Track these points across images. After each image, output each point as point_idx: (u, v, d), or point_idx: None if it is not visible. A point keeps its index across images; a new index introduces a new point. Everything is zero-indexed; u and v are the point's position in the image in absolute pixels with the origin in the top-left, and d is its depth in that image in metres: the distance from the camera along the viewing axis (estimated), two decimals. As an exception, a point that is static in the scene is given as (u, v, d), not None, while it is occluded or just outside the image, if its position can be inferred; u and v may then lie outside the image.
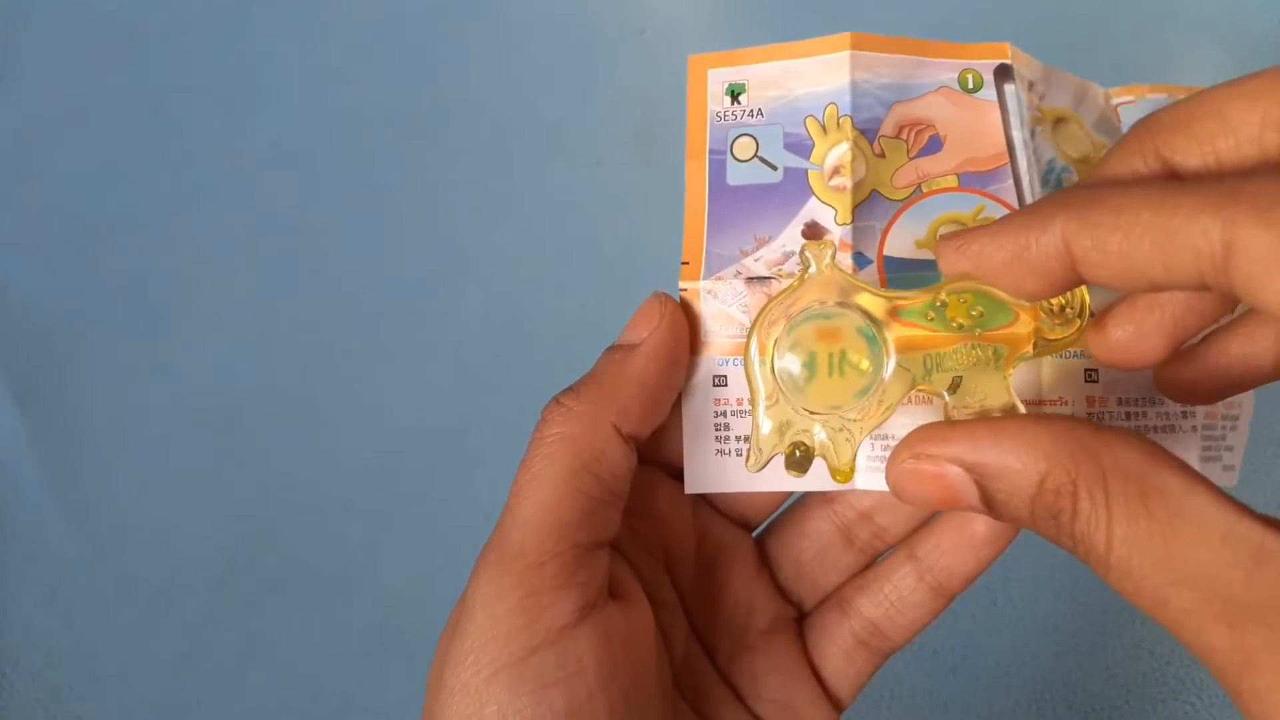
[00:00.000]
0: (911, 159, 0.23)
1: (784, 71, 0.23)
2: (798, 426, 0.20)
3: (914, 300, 0.19)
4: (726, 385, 0.23)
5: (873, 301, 0.20)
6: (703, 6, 0.68)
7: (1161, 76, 0.65)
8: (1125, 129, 0.24)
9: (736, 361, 0.23)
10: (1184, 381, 0.20)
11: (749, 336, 0.20)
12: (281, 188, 0.65)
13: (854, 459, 0.20)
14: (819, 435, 0.20)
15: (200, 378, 0.60)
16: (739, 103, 0.24)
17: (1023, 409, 0.19)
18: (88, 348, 0.61)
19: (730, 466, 0.23)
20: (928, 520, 0.24)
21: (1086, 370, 0.23)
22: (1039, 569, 0.52)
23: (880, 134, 0.23)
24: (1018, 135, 0.22)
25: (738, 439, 0.23)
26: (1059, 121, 0.23)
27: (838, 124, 0.23)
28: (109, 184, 0.65)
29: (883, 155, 0.23)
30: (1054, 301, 0.19)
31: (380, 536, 0.56)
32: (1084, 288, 0.19)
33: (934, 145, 0.23)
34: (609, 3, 0.67)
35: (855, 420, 0.20)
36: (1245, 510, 0.14)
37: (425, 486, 0.57)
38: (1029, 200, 0.22)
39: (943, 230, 0.22)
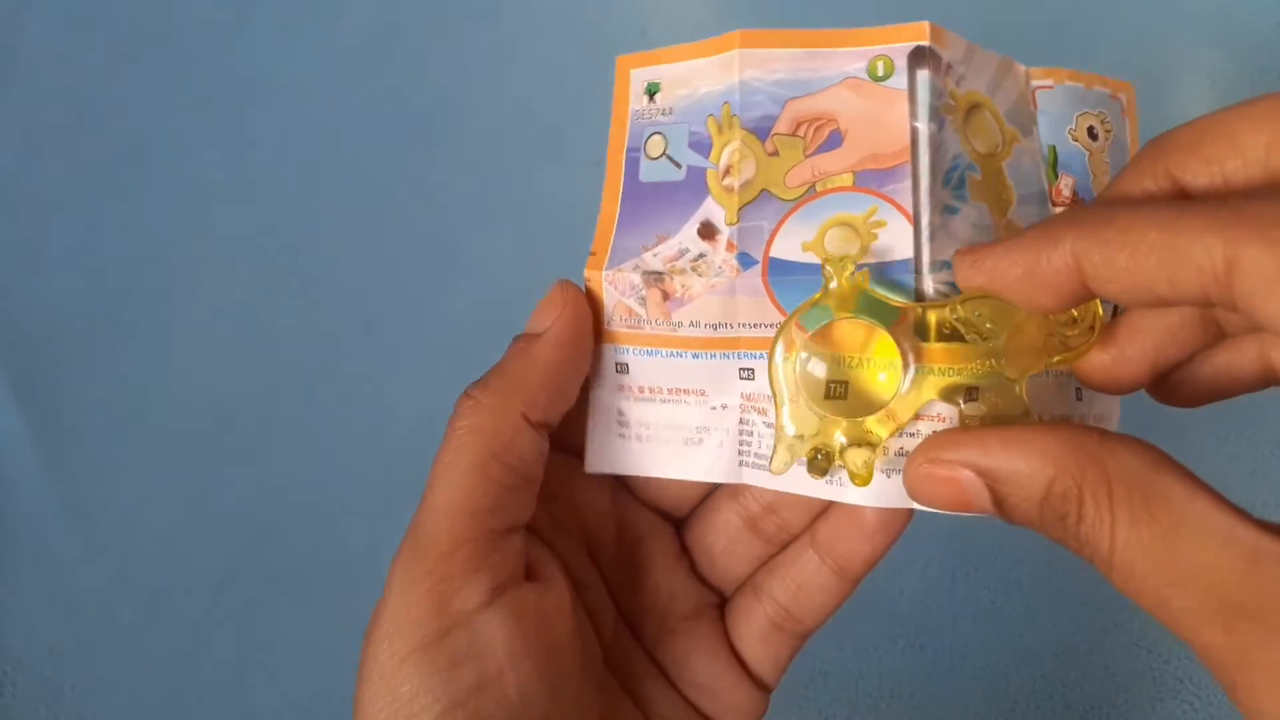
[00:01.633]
0: (808, 156, 0.22)
1: (691, 71, 0.23)
2: (819, 431, 0.20)
3: (931, 312, 0.20)
4: (628, 373, 0.24)
5: (891, 313, 0.20)
6: (703, 7, 0.68)
7: (1162, 76, 0.65)
8: (1041, 117, 0.24)
9: (636, 351, 0.24)
10: (1169, 384, 0.21)
11: (774, 342, 0.21)
12: (281, 188, 0.65)
13: (872, 465, 0.20)
14: (839, 440, 0.20)
15: (200, 378, 0.60)
16: (654, 101, 0.24)
17: (1035, 417, 0.20)
18: (89, 347, 0.61)
19: (630, 450, 0.24)
20: (825, 511, 0.25)
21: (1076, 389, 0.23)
22: (1038, 569, 0.52)
23: (774, 132, 0.22)
24: (923, 128, 0.21)
25: (637, 424, 0.24)
26: (972, 109, 0.22)
27: (730, 123, 0.23)
28: (109, 184, 0.65)
29: (776, 154, 0.22)
30: (1067, 314, 0.20)
31: (380, 536, 0.56)
32: (1097, 301, 0.20)
33: (834, 141, 0.22)
34: (609, 3, 0.67)
35: (874, 427, 0.20)
36: (1243, 514, 0.15)
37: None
38: (925, 203, 0.21)
39: (831, 233, 0.21)
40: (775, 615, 0.26)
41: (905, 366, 0.20)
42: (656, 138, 0.24)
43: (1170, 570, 0.15)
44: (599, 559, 0.25)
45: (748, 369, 0.23)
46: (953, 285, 0.21)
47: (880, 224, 0.21)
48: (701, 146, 0.23)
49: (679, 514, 0.27)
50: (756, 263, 0.22)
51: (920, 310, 0.20)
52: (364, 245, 0.63)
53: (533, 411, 0.22)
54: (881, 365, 0.20)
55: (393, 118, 0.66)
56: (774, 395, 0.21)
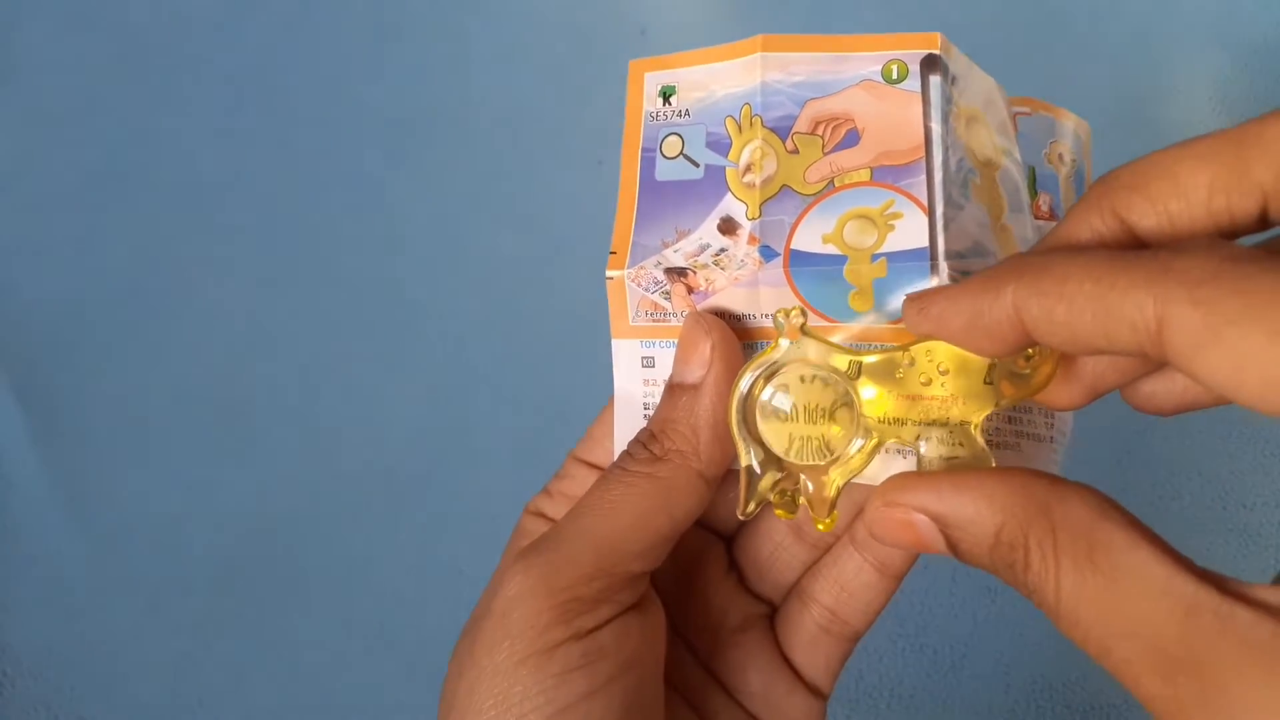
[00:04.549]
0: (826, 154, 0.23)
1: (708, 74, 0.25)
2: (782, 475, 0.21)
3: (883, 359, 0.21)
4: (654, 366, 0.25)
5: (844, 361, 0.21)
6: (702, 7, 0.68)
7: (1162, 76, 0.65)
8: (1021, 139, 0.25)
9: (662, 344, 0.24)
10: (1139, 396, 0.21)
11: (731, 394, 0.22)
12: (282, 188, 0.65)
13: (833, 508, 0.21)
14: (804, 481, 0.21)
15: (200, 377, 0.60)
16: (670, 104, 0.25)
17: (993, 461, 0.20)
18: (89, 347, 0.61)
19: None
20: (863, 510, 0.26)
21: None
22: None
23: (794, 131, 0.23)
24: (936, 129, 0.22)
25: None
26: (971, 120, 0.24)
27: (751, 123, 0.24)
28: (109, 184, 0.65)
29: (796, 151, 0.23)
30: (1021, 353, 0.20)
31: (380, 536, 0.57)
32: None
33: (851, 139, 0.23)
34: (609, 3, 0.67)
35: (833, 472, 0.21)
36: (1184, 564, 0.15)
37: (425, 487, 0.57)
38: (939, 197, 0.22)
39: (849, 225, 0.22)
40: (822, 619, 0.26)
41: (858, 414, 0.21)
42: (673, 138, 0.25)
43: (1112, 621, 0.15)
44: (656, 578, 0.25)
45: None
46: (965, 273, 0.22)
47: (897, 215, 0.22)
48: (720, 146, 0.24)
49: (729, 531, 0.28)
50: (778, 255, 0.23)
51: (874, 357, 0.21)
52: (364, 245, 0.63)
53: (708, 469, 0.22)
54: (834, 415, 0.21)
55: (393, 117, 0.66)
56: (736, 445, 0.22)
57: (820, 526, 0.21)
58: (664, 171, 0.25)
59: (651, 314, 0.24)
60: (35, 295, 0.63)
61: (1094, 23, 0.66)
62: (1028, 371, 0.20)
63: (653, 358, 0.25)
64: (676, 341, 0.24)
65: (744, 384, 0.21)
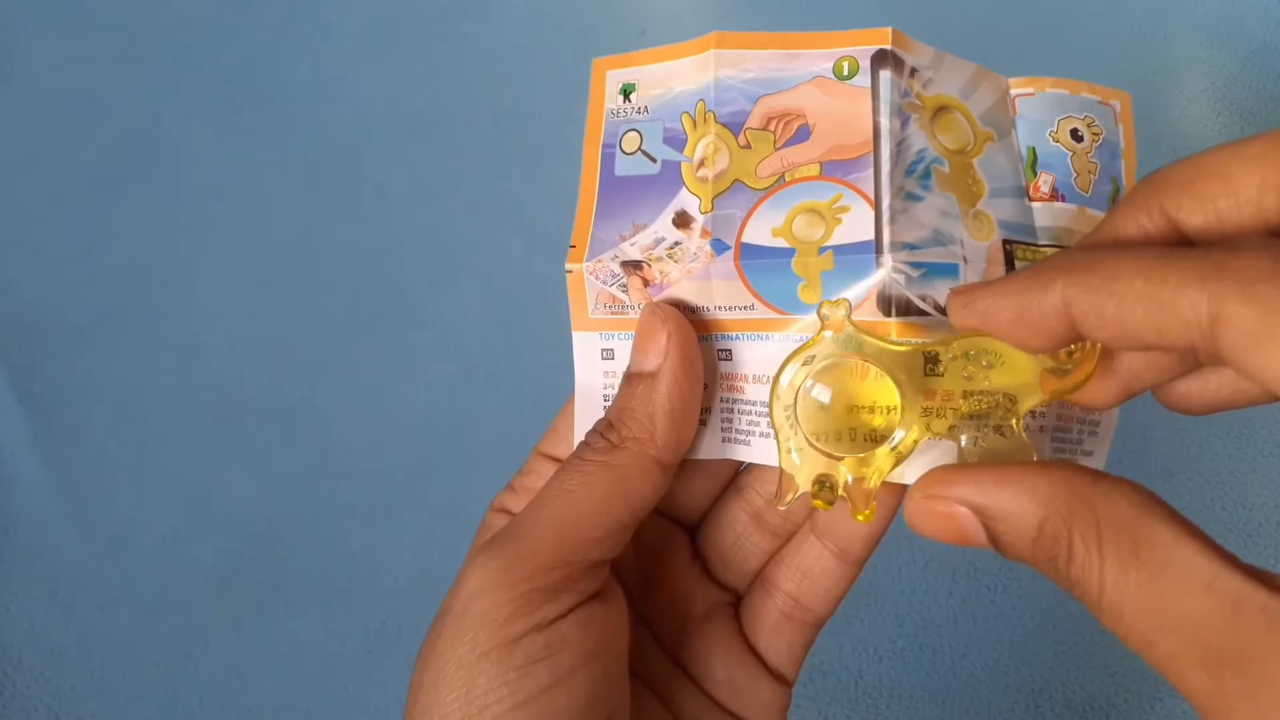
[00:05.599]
0: (778, 149, 0.23)
1: (666, 71, 0.25)
2: (821, 465, 0.21)
3: (926, 352, 0.20)
4: (613, 358, 0.25)
5: (887, 353, 0.21)
6: (702, 7, 0.68)
7: (1163, 76, 0.65)
8: (1020, 121, 0.25)
9: (620, 336, 0.25)
10: (1174, 396, 0.21)
11: (774, 382, 0.21)
12: (282, 187, 0.65)
13: (873, 500, 0.21)
14: (843, 473, 0.21)
15: (200, 378, 0.60)
16: (630, 100, 0.25)
17: (1034, 455, 0.20)
18: (89, 347, 0.61)
19: None
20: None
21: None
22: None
23: (747, 126, 0.24)
24: (885, 123, 0.22)
25: None
26: (940, 110, 0.24)
27: (705, 119, 0.24)
28: (110, 184, 0.65)
29: (748, 147, 0.24)
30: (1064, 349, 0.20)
31: (380, 536, 0.57)
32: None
33: (802, 134, 0.23)
34: (609, 3, 0.67)
35: (873, 464, 0.21)
36: (1230, 560, 0.15)
37: (425, 486, 0.57)
38: (886, 190, 0.22)
39: (798, 219, 0.23)
40: (785, 606, 0.27)
41: (901, 406, 0.21)
42: (632, 134, 0.25)
43: (1156, 615, 0.15)
44: (618, 566, 0.26)
45: (725, 350, 0.24)
46: (912, 264, 0.22)
47: (844, 209, 0.22)
48: (676, 142, 0.24)
49: (691, 521, 0.28)
50: (729, 248, 0.23)
51: (917, 349, 0.21)
52: (364, 244, 0.63)
53: (665, 455, 0.23)
54: (876, 406, 0.21)
55: (393, 117, 0.66)
56: (775, 431, 0.21)
57: (859, 518, 0.21)
58: (623, 167, 0.25)
59: (610, 306, 0.25)
60: (35, 295, 0.63)
61: (1094, 23, 0.66)
62: (1069, 367, 0.20)
63: (612, 349, 0.25)
64: (633, 334, 0.24)
65: (786, 376, 0.21)
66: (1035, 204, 0.25)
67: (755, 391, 0.24)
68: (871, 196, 0.22)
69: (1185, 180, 0.18)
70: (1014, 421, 0.20)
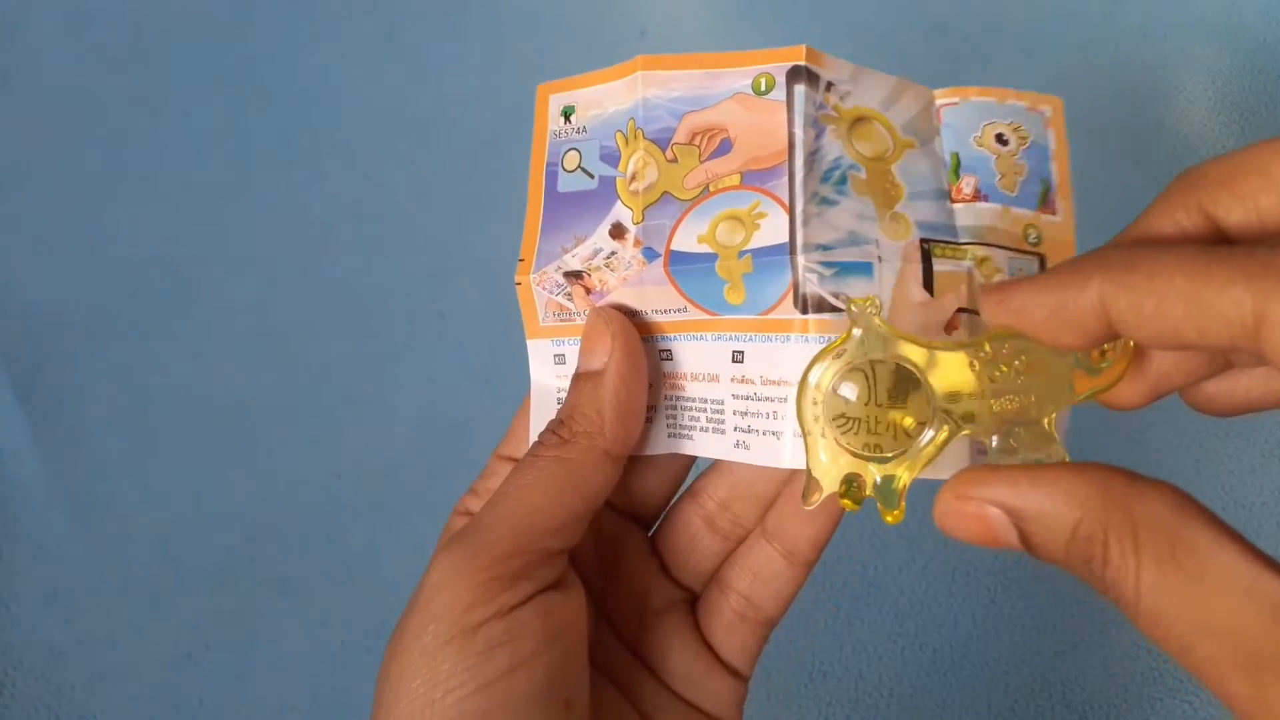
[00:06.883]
0: (703, 162, 0.25)
1: (602, 93, 0.27)
2: (849, 465, 0.21)
3: (957, 350, 0.20)
4: (565, 363, 0.27)
5: (917, 351, 0.21)
6: (702, 8, 0.68)
7: (1162, 76, 0.65)
8: (945, 129, 0.26)
9: (569, 342, 0.27)
10: (1202, 398, 0.21)
11: (801, 381, 0.21)
12: (282, 187, 0.65)
13: (903, 500, 0.21)
14: (872, 473, 0.21)
15: (200, 378, 0.60)
16: (570, 122, 0.27)
17: (1067, 455, 0.20)
18: (90, 347, 0.61)
19: None
20: (773, 503, 0.27)
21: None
22: (1038, 568, 0.52)
23: (673, 142, 0.25)
24: (799, 133, 0.24)
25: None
26: (858, 120, 0.25)
27: (635, 136, 0.26)
28: (110, 184, 0.65)
29: (675, 160, 0.25)
30: (1097, 349, 0.20)
31: (380, 536, 0.57)
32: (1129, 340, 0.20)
33: (725, 147, 0.25)
34: (609, 4, 0.67)
35: (903, 463, 0.21)
36: (1270, 564, 0.15)
37: (425, 486, 0.57)
38: (799, 195, 0.23)
39: (721, 226, 0.24)
40: (738, 605, 0.27)
41: (931, 405, 0.20)
42: (572, 153, 0.27)
43: (1195, 619, 0.15)
44: (577, 561, 0.27)
45: (666, 350, 0.26)
46: (824, 264, 0.23)
47: (762, 215, 0.24)
48: (611, 158, 0.26)
49: (648, 518, 0.29)
50: (659, 256, 0.25)
51: (947, 348, 0.20)
52: (364, 245, 0.63)
53: (614, 447, 0.24)
54: (906, 405, 0.21)
55: (393, 117, 0.66)
56: (803, 431, 0.21)
57: (888, 519, 0.21)
58: (565, 183, 0.27)
59: (559, 314, 0.27)
60: (35, 295, 0.63)
61: (1094, 23, 0.66)
62: (1103, 366, 0.20)
63: (564, 354, 0.27)
64: (580, 339, 0.26)
65: (814, 375, 0.21)
66: (957, 205, 0.25)
67: (696, 389, 0.25)
68: (786, 202, 0.23)
69: (1224, 177, 0.17)
70: (1045, 421, 0.20)
